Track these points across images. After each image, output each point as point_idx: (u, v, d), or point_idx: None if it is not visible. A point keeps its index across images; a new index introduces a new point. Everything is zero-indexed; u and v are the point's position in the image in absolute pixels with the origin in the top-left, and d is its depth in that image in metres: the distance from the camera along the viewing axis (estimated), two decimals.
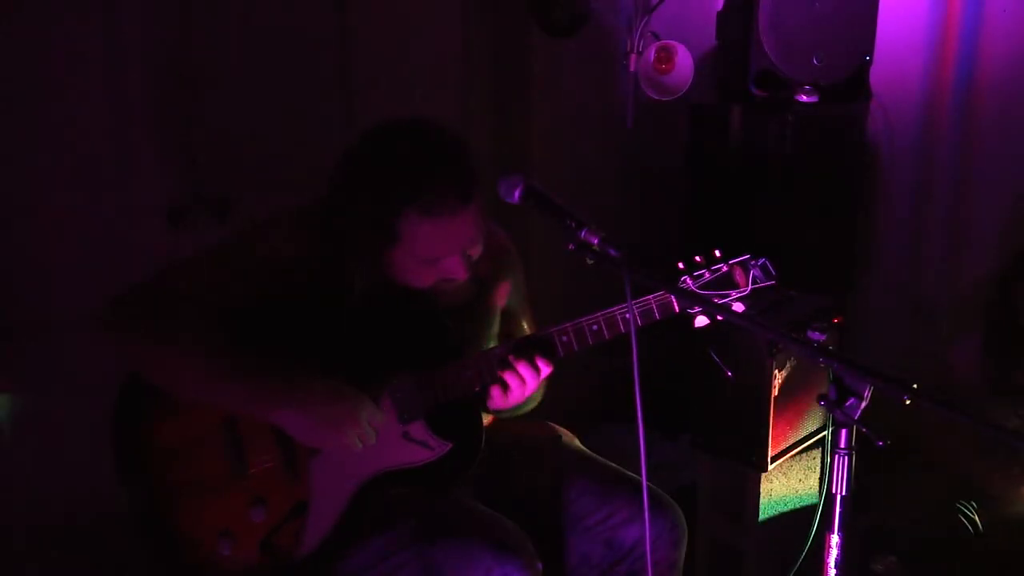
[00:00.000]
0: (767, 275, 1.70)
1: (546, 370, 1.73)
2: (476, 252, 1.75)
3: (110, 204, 2.50)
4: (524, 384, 1.73)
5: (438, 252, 1.69)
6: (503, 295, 1.96)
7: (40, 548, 2.42)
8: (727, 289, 1.69)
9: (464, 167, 1.66)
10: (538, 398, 1.98)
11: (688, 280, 1.69)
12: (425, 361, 1.74)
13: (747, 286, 1.69)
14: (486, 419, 1.90)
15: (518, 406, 1.87)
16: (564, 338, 1.74)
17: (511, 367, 1.72)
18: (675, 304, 1.69)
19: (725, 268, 1.70)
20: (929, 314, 3.53)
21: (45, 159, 2.38)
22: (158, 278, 1.70)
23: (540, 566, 1.70)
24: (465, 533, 1.70)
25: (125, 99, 2.49)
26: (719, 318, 1.61)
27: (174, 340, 1.64)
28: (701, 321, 1.72)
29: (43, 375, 2.42)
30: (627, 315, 1.70)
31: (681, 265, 1.71)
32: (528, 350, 1.72)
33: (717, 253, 1.72)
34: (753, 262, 1.70)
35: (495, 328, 1.97)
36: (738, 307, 1.69)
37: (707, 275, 1.70)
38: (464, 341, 1.79)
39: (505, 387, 1.74)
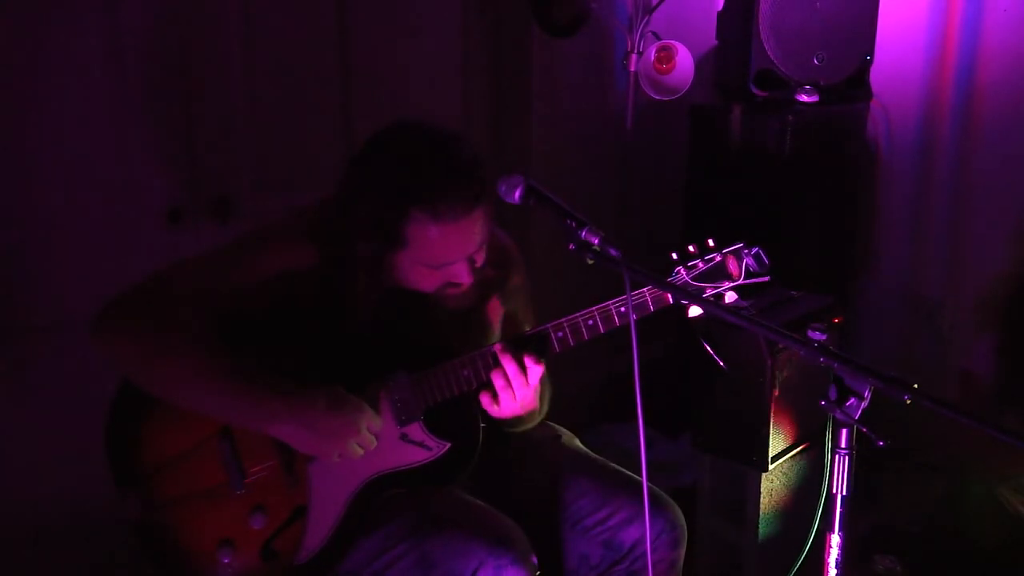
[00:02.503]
0: (761, 264, 1.70)
1: (535, 368, 1.71)
2: (481, 258, 1.75)
3: (110, 204, 2.50)
4: (509, 385, 1.71)
5: (445, 258, 1.68)
6: (506, 295, 1.96)
7: (40, 549, 2.42)
8: (721, 279, 1.69)
9: (475, 172, 1.65)
10: (542, 409, 1.97)
11: (682, 271, 1.69)
12: (422, 362, 1.74)
13: (740, 275, 1.69)
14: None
15: (519, 418, 1.85)
16: (559, 334, 1.74)
17: (499, 366, 1.71)
18: (669, 296, 1.69)
19: (718, 258, 1.70)
20: (929, 314, 3.53)
21: (45, 159, 2.38)
22: (153, 281, 1.68)
23: (535, 559, 1.70)
24: (459, 526, 1.69)
25: (125, 99, 2.49)
26: (715, 313, 1.60)
27: (167, 346, 1.61)
28: (695, 311, 1.71)
29: (44, 376, 2.42)
30: (622, 309, 1.70)
31: (675, 255, 1.71)
32: (516, 348, 1.71)
33: (710, 242, 1.71)
34: (746, 251, 1.70)
35: (496, 331, 1.96)
36: (730, 296, 1.69)
37: (701, 265, 1.70)
38: (462, 339, 1.79)
39: (494, 392, 1.73)
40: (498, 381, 1.72)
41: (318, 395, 1.64)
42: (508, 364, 1.70)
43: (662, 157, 3.60)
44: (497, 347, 1.72)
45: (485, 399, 1.75)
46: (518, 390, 1.72)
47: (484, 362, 1.74)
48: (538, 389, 1.81)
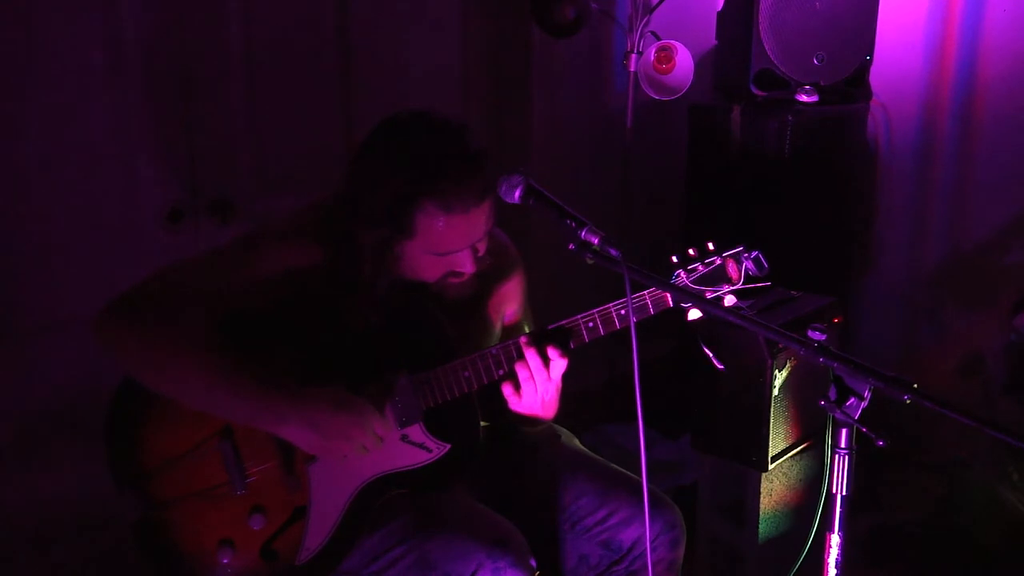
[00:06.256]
0: (760, 268, 1.70)
1: (559, 362, 1.71)
2: (483, 247, 1.77)
3: (110, 204, 2.50)
4: (532, 379, 1.72)
5: (451, 246, 1.69)
6: (505, 295, 1.96)
7: (41, 549, 2.42)
8: (720, 282, 1.70)
9: (483, 163, 1.66)
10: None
11: (682, 274, 1.70)
12: (423, 362, 1.74)
13: (740, 279, 1.70)
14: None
15: (535, 417, 1.85)
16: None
17: (523, 359, 1.71)
18: (669, 299, 1.70)
19: (718, 261, 1.71)
20: (929, 314, 3.53)
21: (45, 160, 2.38)
22: (158, 278, 1.68)
23: (533, 562, 1.70)
24: (458, 528, 1.69)
25: (125, 100, 2.49)
26: (715, 313, 1.61)
27: (172, 343, 1.61)
28: (695, 314, 1.72)
29: (43, 376, 2.42)
30: (622, 311, 1.71)
31: (675, 259, 1.71)
32: (541, 342, 1.71)
33: (710, 246, 1.72)
34: (746, 255, 1.71)
35: (496, 328, 1.97)
36: (730, 300, 1.70)
37: (700, 268, 1.70)
38: (463, 340, 1.79)
39: (516, 384, 1.74)
40: (522, 373, 1.72)
41: (324, 396, 1.64)
42: (532, 358, 1.71)
43: (662, 157, 3.60)
44: (523, 340, 1.73)
45: (507, 390, 1.75)
46: (540, 384, 1.73)
47: (484, 364, 1.74)
48: (560, 387, 1.80)
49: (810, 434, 2.49)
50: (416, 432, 1.74)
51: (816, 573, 1.45)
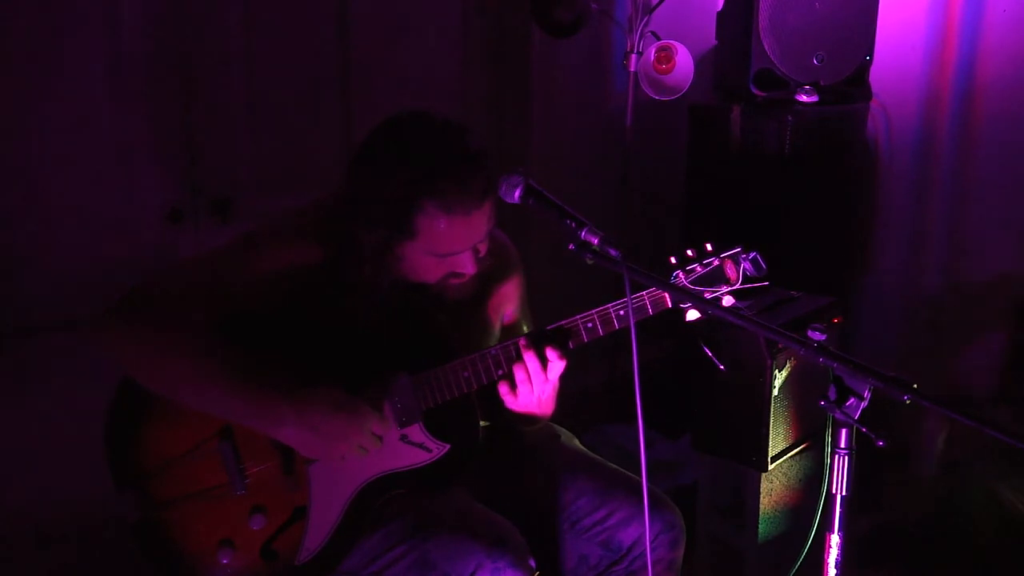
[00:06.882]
0: (758, 268, 1.71)
1: (557, 363, 1.72)
2: (484, 248, 1.77)
3: (110, 204, 2.50)
4: (529, 379, 1.72)
5: (452, 247, 1.69)
6: (505, 296, 1.96)
7: (40, 550, 2.42)
8: (719, 283, 1.71)
9: (484, 164, 1.66)
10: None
11: (680, 275, 1.70)
12: (422, 362, 1.74)
13: (738, 280, 1.70)
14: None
15: (532, 416, 1.85)
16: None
17: (520, 359, 1.71)
18: (668, 300, 1.70)
19: (716, 262, 1.71)
20: (929, 314, 3.53)
21: (45, 160, 2.38)
22: (156, 279, 1.68)
23: (532, 562, 1.70)
24: (458, 529, 1.70)
25: (125, 99, 2.49)
26: (714, 313, 1.61)
27: (170, 345, 1.61)
28: (693, 314, 1.73)
29: (43, 376, 2.42)
30: (621, 312, 1.71)
31: (673, 260, 1.72)
32: (539, 343, 1.72)
33: (708, 247, 1.73)
34: (744, 255, 1.72)
35: (496, 329, 1.97)
36: (728, 300, 1.71)
37: (699, 269, 1.71)
38: (462, 340, 1.79)
39: (513, 384, 1.74)
40: (519, 374, 1.72)
41: (322, 396, 1.64)
42: (530, 359, 1.71)
43: (662, 157, 3.60)
44: (522, 341, 1.73)
45: (503, 389, 1.76)
46: (537, 385, 1.73)
47: (484, 364, 1.74)
48: (557, 386, 1.81)
49: (810, 434, 2.49)
50: (416, 432, 1.74)
51: (816, 573, 1.45)
